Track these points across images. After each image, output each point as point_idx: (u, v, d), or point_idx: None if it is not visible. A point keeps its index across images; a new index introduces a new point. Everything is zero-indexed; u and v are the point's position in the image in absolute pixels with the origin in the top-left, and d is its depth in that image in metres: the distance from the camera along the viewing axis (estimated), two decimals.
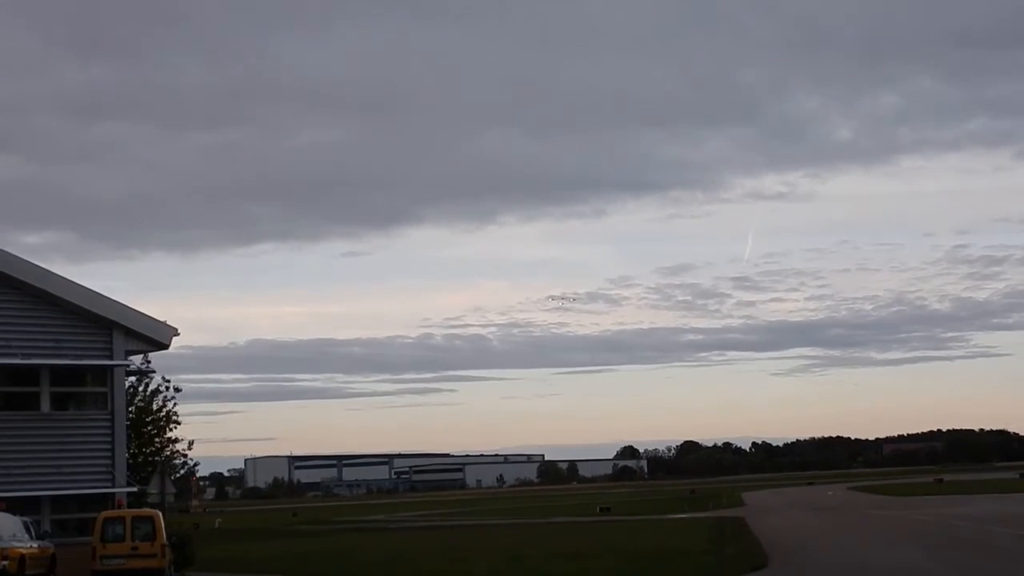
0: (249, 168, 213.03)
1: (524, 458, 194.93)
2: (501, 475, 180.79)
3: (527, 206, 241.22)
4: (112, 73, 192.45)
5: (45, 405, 23.92)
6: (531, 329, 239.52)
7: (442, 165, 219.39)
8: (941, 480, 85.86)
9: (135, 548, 20.31)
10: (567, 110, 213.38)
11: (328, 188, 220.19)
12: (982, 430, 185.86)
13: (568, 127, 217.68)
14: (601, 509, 58.66)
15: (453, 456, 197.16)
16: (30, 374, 23.85)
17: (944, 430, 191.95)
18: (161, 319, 25.46)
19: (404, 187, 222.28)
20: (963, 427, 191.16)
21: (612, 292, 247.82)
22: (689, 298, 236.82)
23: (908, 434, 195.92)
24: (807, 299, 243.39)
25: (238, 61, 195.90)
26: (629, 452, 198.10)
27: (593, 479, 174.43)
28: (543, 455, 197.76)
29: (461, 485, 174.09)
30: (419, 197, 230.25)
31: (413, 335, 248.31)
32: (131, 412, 32.00)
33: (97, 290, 24.56)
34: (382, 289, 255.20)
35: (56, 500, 23.58)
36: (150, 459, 34.20)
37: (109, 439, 24.34)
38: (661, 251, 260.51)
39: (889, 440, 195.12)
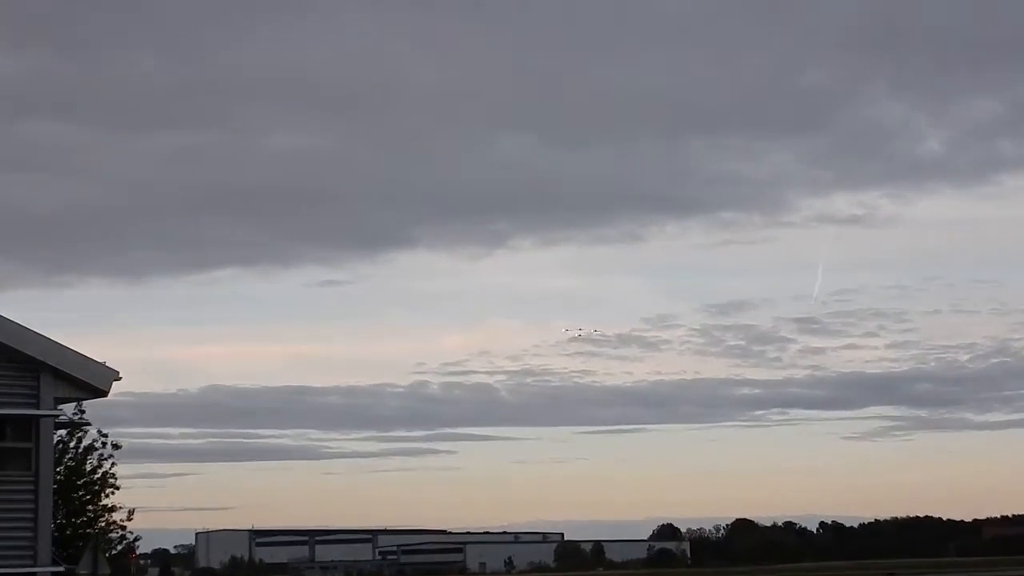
0: (209, 178, 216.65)
1: (539, 537, 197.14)
2: (510, 557, 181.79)
3: (545, 228, 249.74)
4: (47, 63, 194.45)
5: None
6: (548, 378, 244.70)
7: (442, 177, 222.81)
8: None
9: None
10: (595, 113, 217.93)
11: (304, 203, 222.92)
12: None
13: (596, 134, 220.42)
14: None
15: (451, 533, 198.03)
16: None
17: None
18: (99, 360, 25.41)
19: (396, 203, 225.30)
20: None
21: (648, 334, 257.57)
22: (743, 343, 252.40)
23: (1013, 515, 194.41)
24: (888, 347, 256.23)
25: (199, 52, 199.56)
26: (668, 531, 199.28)
27: (623, 564, 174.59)
28: (562, 534, 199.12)
29: (461, 569, 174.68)
30: (414, 215, 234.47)
31: (404, 383, 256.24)
32: (59, 473, 31.93)
33: (21, 323, 24.36)
34: (367, 327, 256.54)
35: None
36: (81, 532, 33.98)
37: (32, 507, 24.09)
38: (709, 285, 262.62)
39: (990, 522, 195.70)
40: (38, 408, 24.19)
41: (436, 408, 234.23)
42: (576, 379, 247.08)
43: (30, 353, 24.09)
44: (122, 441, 36.86)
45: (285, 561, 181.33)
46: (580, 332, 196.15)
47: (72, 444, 35.93)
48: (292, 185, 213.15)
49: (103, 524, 35.84)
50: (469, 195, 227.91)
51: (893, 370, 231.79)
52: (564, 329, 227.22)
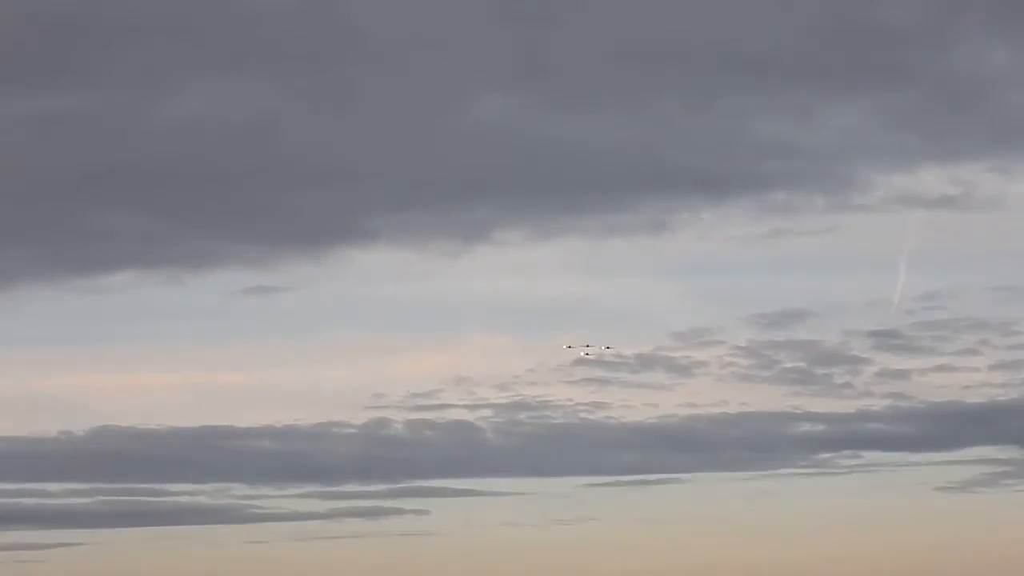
0: (96, 153, 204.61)
1: None
2: None
3: (541, 215, 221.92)
4: None
5: None
6: (548, 413, 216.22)
7: (409, 150, 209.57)
8: None
9: None
10: (606, 66, 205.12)
11: (224, 186, 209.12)
12: None
13: (607, 92, 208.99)
14: None
15: None
16: None
17: None
18: None
19: (346, 184, 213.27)
20: None
21: (678, 354, 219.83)
22: (803, 365, 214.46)
23: None
24: (992, 368, 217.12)
25: None
26: None
27: None
28: None
29: None
30: (371, 201, 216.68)
31: (358, 422, 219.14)
32: None
33: None
34: (309, 347, 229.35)
35: None
36: None
37: None
38: (757, 289, 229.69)
39: None
40: None
41: (400, 454, 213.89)
42: (584, 414, 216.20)
43: None
44: None
45: None
46: (588, 351, 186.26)
47: None
48: (208, 163, 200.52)
49: None
50: (442, 174, 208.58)
51: (999, 398, 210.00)
52: (566, 346, 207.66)
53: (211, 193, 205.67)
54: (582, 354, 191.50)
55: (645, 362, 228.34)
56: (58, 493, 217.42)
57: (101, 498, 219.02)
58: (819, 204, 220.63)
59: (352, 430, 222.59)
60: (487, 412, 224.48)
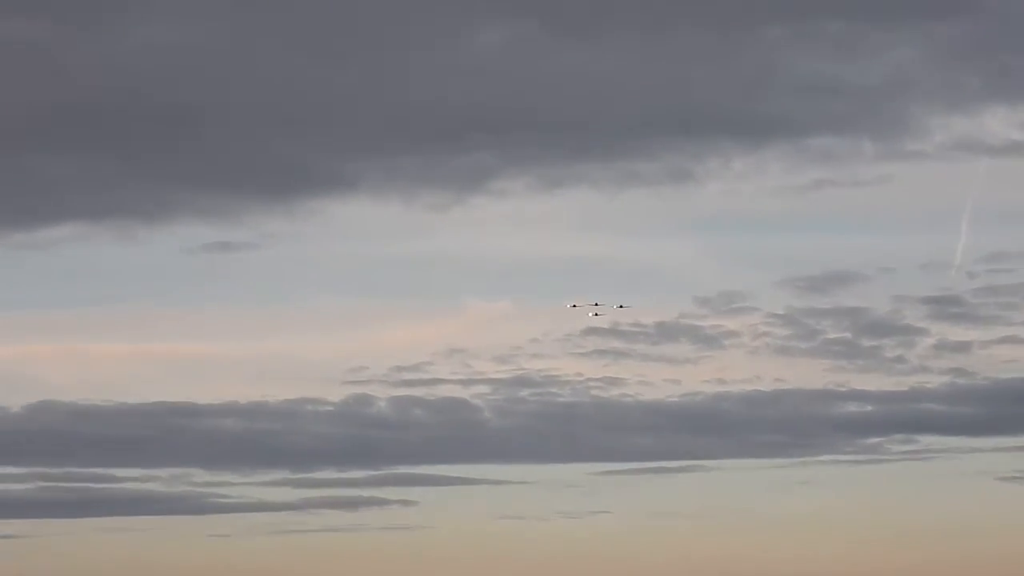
0: (34, 89, 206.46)
1: None
2: None
3: (547, 162, 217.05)
4: None
5: None
6: (554, 390, 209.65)
7: (392, 88, 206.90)
8: None
9: None
10: None
11: (184, 126, 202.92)
12: None
13: (625, 21, 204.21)
14: None
15: None
16: None
17: None
18: None
19: (323, 126, 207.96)
20: None
21: (706, 323, 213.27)
22: (848, 335, 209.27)
23: None
24: None
25: None
26: None
27: None
28: None
29: None
30: (349, 145, 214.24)
31: (335, 399, 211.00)
32: None
33: None
34: (279, 313, 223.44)
35: None
36: None
37: None
38: (796, 248, 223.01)
39: None
40: None
41: (384, 436, 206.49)
42: (596, 391, 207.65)
43: None
44: None
45: None
46: (597, 311, 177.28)
47: None
48: (164, 100, 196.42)
49: None
50: (433, 114, 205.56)
51: None
52: (571, 305, 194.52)
53: (168, 135, 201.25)
54: (591, 315, 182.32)
55: (666, 332, 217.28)
56: None
57: (40, 484, 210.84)
58: (867, 151, 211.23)
59: (328, 408, 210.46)
60: (484, 388, 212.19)
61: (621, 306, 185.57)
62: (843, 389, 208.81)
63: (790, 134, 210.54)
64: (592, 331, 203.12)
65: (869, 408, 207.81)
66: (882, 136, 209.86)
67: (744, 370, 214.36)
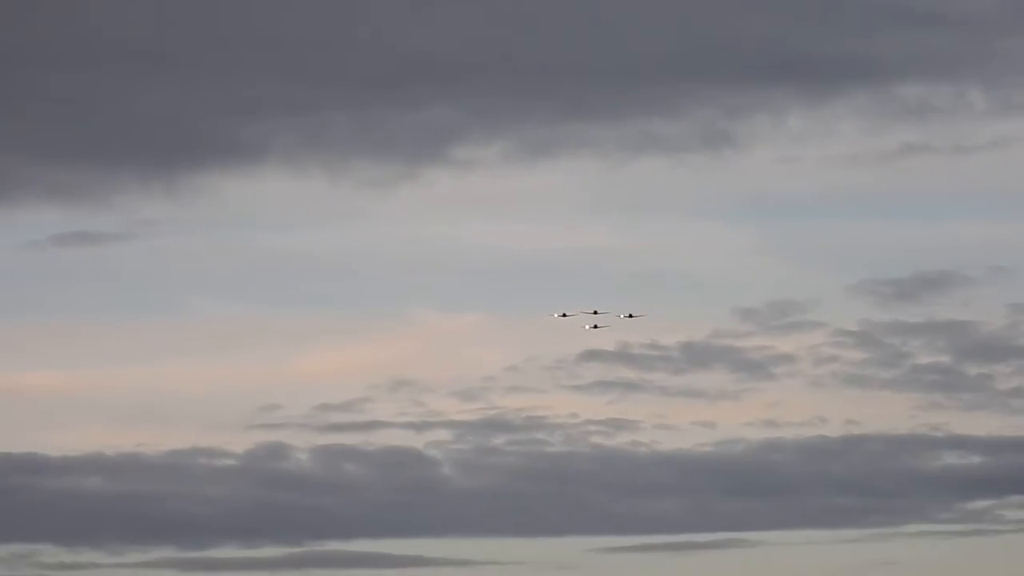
0: None
1: None
2: None
3: (529, 120, 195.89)
4: None
5: None
6: (541, 436, 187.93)
7: (315, 20, 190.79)
8: None
9: None
10: None
11: (27, 73, 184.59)
12: None
13: None
14: None
15: None
16: None
17: None
18: None
19: (218, 73, 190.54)
20: None
21: (749, 343, 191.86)
22: (946, 360, 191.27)
23: None
24: None
25: None
26: None
27: None
28: None
29: None
30: (254, 99, 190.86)
31: (237, 448, 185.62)
32: None
33: None
34: (159, 329, 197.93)
35: None
36: None
37: None
38: (875, 239, 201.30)
39: None
40: None
41: (306, 502, 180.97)
42: (598, 438, 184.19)
43: None
44: None
45: None
46: (596, 320, 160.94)
47: None
48: None
49: None
50: (369, 56, 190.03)
51: None
52: (558, 315, 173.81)
53: (1, 85, 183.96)
54: (588, 328, 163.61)
55: (695, 355, 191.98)
56: None
57: None
58: (975, 104, 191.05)
59: (229, 461, 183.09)
60: (443, 434, 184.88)
61: (631, 316, 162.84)
62: (940, 434, 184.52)
63: (868, 80, 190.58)
64: (592, 355, 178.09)
65: (976, 460, 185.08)
66: (995, 83, 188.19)
67: (803, 409, 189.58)
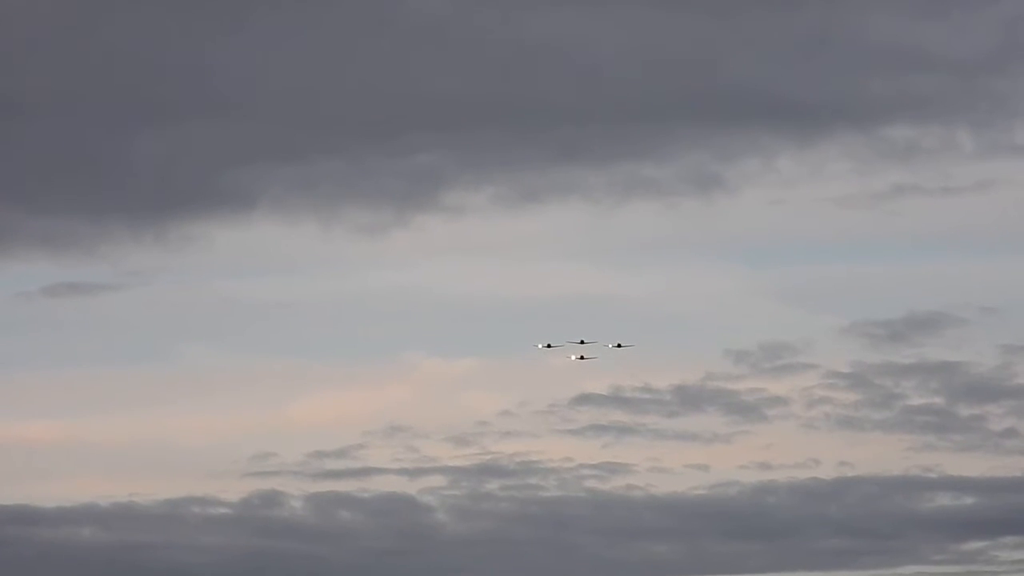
0: None
1: None
2: None
3: (522, 165, 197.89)
4: None
5: None
6: (535, 481, 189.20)
7: (308, 68, 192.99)
8: None
9: None
10: None
11: (18, 122, 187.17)
12: None
13: None
14: None
15: None
16: None
17: None
18: None
19: (210, 120, 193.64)
20: None
21: (742, 386, 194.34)
22: (940, 401, 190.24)
23: None
24: None
25: None
26: None
27: None
28: None
29: None
30: (247, 146, 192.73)
31: (232, 497, 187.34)
32: None
33: None
34: (151, 378, 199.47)
35: None
36: None
37: None
38: (865, 280, 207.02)
39: None
40: None
41: (300, 550, 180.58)
42: (592, 482, 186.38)
43: None
44: None
45: None
46: (583, 351, 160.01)
47: None
48: None
49: None
50: (362, 103, 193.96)
51: None
52: (542, 346, 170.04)
53: None
54: (573, 358, 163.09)
55: (689, 398, 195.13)
56: None
57: None
58: (964, 145, 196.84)
59: (223, 510, 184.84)
60: (437, 480, 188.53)
61: (619, 345, 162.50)
62: (933, 475, 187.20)
63: (857, 123, 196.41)
64: (585, 398, 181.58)
65: (969, 501, 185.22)
66: (983, 125, 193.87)
67: (796, 451, 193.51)
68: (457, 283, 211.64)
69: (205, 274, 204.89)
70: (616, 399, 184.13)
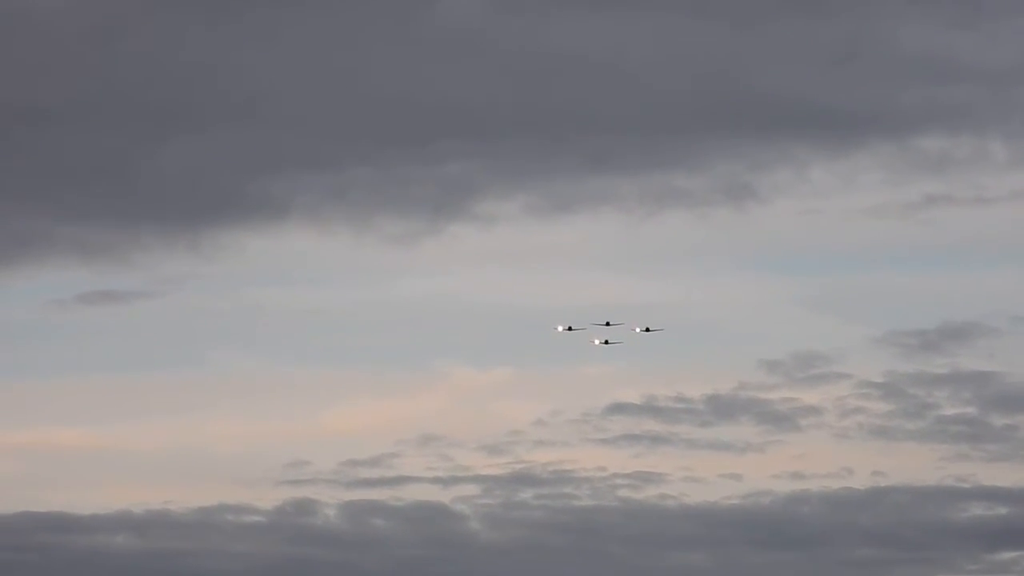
0: None
1: None
2: None
3: (552, 174, 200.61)
4: None
5: None
6: (569, 490, 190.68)
7: (339, 75, 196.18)
8: None
9: None
10: None
11: (51, 132, 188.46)
12: None
13: None
14: None
15: None
16: None
17: None
18: None
19: (241, 128, 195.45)
20: None
21: (774, 395, 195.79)
22: (972, 410, 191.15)
23: None
24: None
25: None
26: None
27: None
28: None
29: None
30: (279, 155, 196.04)
31: (266, 505, 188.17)
32: None
33: None
34: (185, 387, 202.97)
35: None
36: None
37: None
38: (898, 290, 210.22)
39: None
40: None
41: (334, 558, 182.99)
42: (625, 491, 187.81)
43: None
44: None
45: None
46: (607, 334, 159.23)
47: None
48: (22, 97, 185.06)
49: None
50: (393, 112, 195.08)
51: None
52: (561, 328, 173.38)
53: (29, 145, 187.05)
54: (596, 342, 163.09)
55: (722, 408, 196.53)
56: None
57: None
58: (996, 155, 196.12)
59: (257, 518, 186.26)
60: (470, 489, 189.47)
61: (648, 329, 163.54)
62: (967, 485, 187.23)
63: (890, 133, 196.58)
64: (618, 408, 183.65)
65: (1003, 511, 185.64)
66: (1015, 134, 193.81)
67: (829, 460, 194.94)
68: (489, 292, 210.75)
69: (237, 282, 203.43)
70: (649, 408, 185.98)
